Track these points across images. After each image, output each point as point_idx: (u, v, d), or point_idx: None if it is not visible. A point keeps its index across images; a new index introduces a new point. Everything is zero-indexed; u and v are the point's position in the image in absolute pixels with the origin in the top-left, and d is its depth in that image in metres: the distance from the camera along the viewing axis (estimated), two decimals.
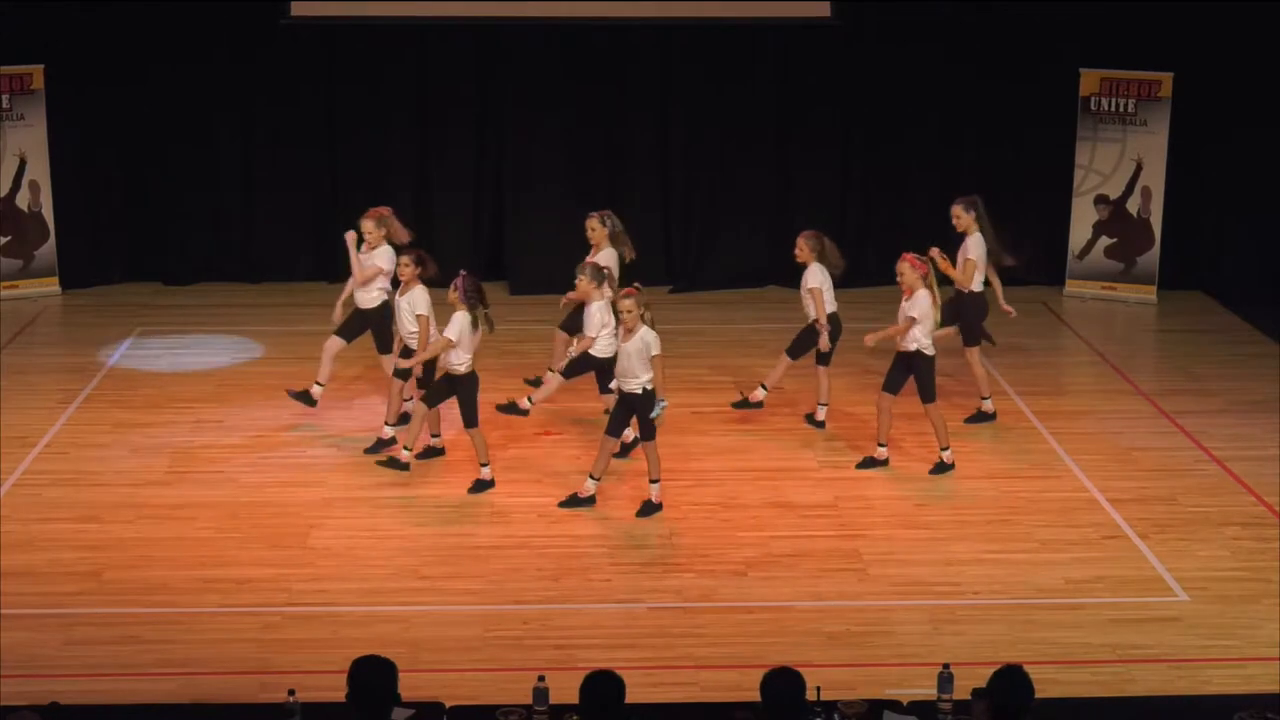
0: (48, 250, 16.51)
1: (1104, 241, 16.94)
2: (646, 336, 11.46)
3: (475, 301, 11.78)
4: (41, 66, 16.27)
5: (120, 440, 12.87)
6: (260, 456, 12.60)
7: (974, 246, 13.19)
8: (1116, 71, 16.62)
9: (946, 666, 7.70)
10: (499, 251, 17.39)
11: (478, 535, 11.34)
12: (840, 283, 17.14)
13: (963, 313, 13.30)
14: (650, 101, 17.10)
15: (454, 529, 11.45)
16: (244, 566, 10.83)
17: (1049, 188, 17.08)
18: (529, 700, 7.54)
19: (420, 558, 11.01)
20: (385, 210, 12.95)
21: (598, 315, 12.13)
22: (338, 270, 16.96)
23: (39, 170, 16.41)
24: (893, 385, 12.34)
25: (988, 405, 13.53)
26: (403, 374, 12.34)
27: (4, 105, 16.20)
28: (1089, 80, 16.73)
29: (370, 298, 12.83)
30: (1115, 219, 16.89)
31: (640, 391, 11.48)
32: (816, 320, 13.04)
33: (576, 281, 12.25)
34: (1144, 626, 10.14)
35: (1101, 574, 10.84)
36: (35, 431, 12.98)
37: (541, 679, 7.59)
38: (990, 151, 17.20)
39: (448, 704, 7.90)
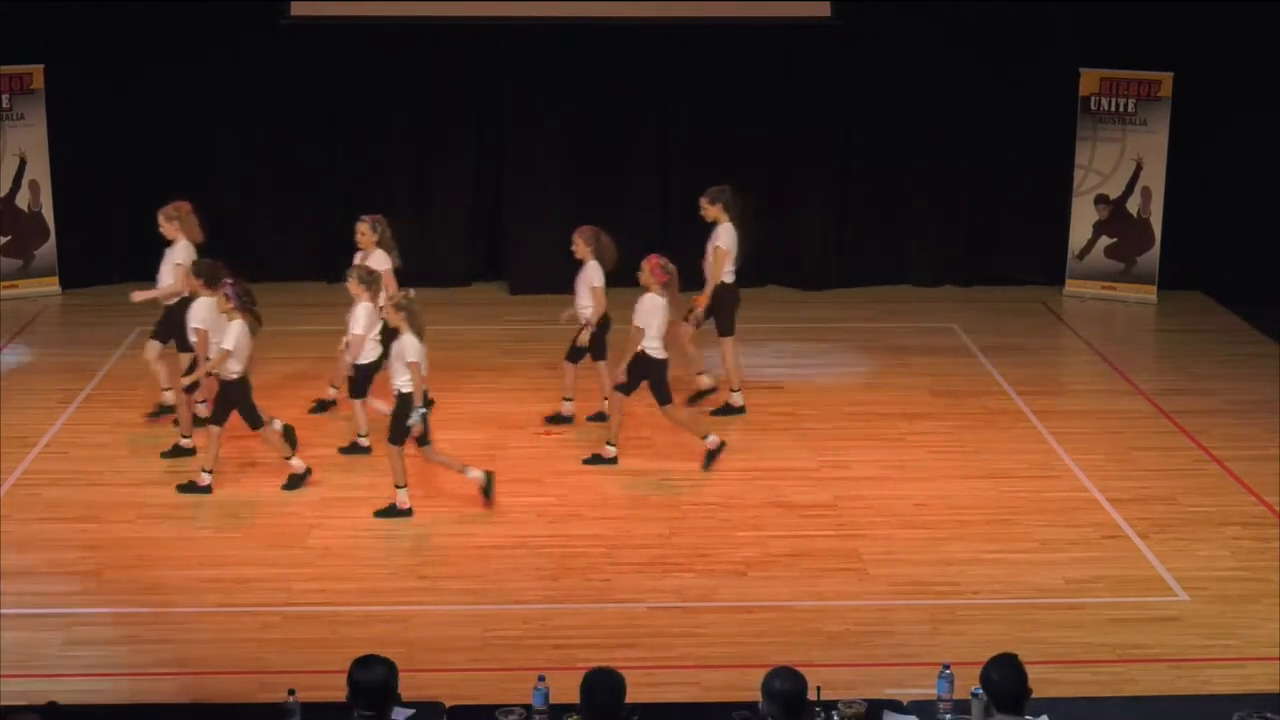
0: (48, 250, 16.51)
1: (1104, 241, 16.94)
2: (404, 342, 11.41)
3: (248, 305, 11.73)
4: (41, 66, 16.26)
5: (120, 440, 12.87)
6: (260, 456, 12.58)
7: (724, 235, 13.14)
8: (1116, 71, 16.62)
9: (946, 666, 7.70)
10: (498, 252, 17.39)
11: (477, 535, 11.34)
12: (840, 283, 17.31)
13: (716, 303, 13.26)
14: (650, 101, 17.09)
15: (453, 529, 11.44)
16: (243, 566, 10.83)
17: (1049, 187, 17.08)
18: (529, 700, 7.54)
19: (419, 557, 11.01)
20: (185, 205, 12.97)
21: (364, 317, 12.21)
22: (339, 270, 16.97)
23: (39, 170, 16.41)
24: (626, 389, 12.33)
25: (736, 399, 13.51)
26: (190, 388, 12.24)
27: (4, 105, 16.19)
28: (1089, 80, 16.73)
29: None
30: (1115, 219, 16.88)
31: (397, 393, 11.50)
32: (588, 321, 12.82)
33: (347, 284, 12.35)
34: (1144, 626, 10.13)
35: (1101, 574, 10.83)
36: (35, 431, 12.98)
37: (541, 679, 7.60)
38: (990, 151, 17.20)
39: (447, 704, 7.90)
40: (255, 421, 11.92)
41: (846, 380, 14.38)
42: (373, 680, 6.75)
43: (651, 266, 12.15)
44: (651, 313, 12.11)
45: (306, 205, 17.06)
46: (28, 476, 12.21)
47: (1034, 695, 6.88)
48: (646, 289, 12.16)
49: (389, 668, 6.82)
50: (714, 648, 9.83)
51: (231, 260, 15.56)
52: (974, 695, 7.36)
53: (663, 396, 12.30)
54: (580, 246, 12.84)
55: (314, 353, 14.69)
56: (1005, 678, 6.82)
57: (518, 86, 16.93)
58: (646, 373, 12.21)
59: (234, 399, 11.81)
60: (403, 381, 11.44)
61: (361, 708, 6.72)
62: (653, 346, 12.15)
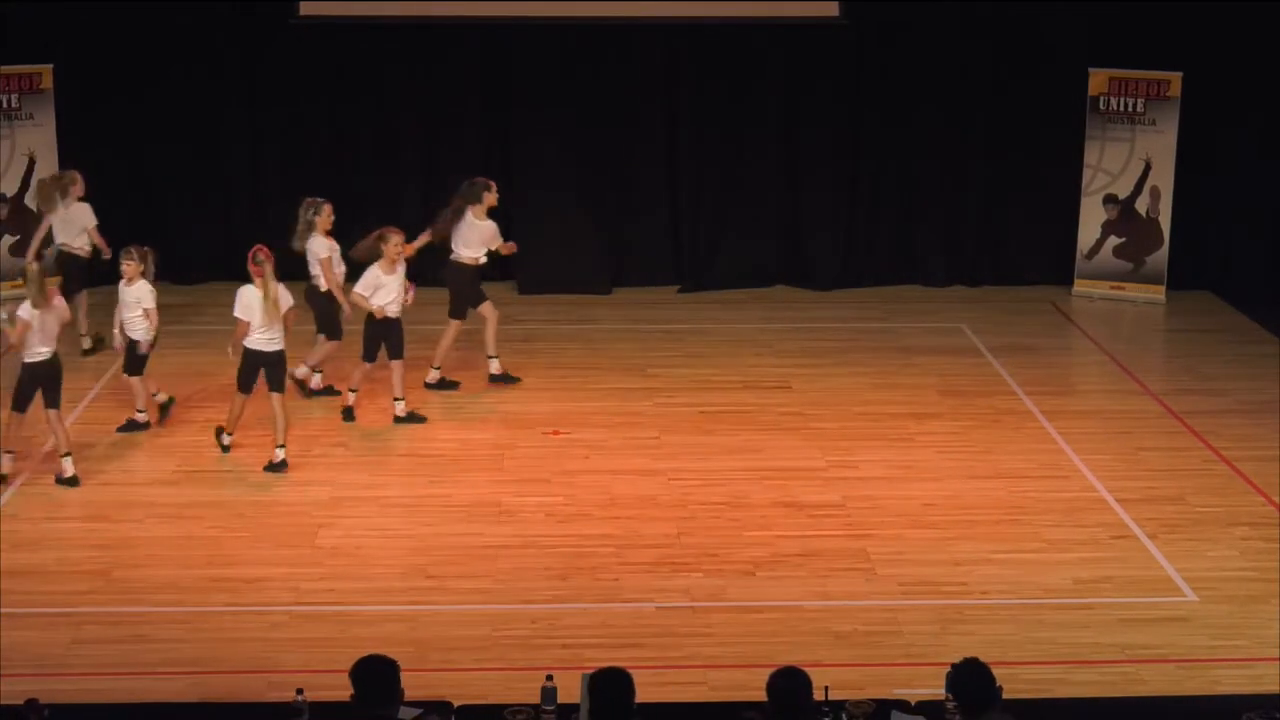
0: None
1: (1112, 241, 16.92)
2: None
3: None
4: (50, 66, 16.28)
5: (128, 439, 12.88)
6: (268, 455, 12.59)
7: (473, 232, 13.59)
8: (1125, 71, 16.60)
9: (954, 666, 7.68)
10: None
11: (485, 535, 11.34)
12: (849, 283, 17.31)
13: (449, 283, 13.86)
14: (658, 101, 17.09)
15: (462, 528, 11.45)
16: (252, 566, 10.84)
17: (1058, 187, 17.07)
18: (537, 700, 7.54)
19: (428, 557, 11.01)
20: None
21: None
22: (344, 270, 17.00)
23: (47, 170, 16.39)
24: (244, 384, 12.54)
25: (433, 375, 13.97)
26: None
27: (13, 105, 16.21)
28: (1098, 80, 16.71)
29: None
30: (1124, 218, 16.87)
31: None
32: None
33: (123, 266, 12.78)
34: (1152, 626, 10.12)
35: (1110, 574, 10.82)
36: (43, 431, 12.98)
37: (549, 678, 7.60)
38: (999, 151, 17.20)
39: (456, 703, 7.89)
40: (20, 405, 12.04)
41: (855, 380, 14.37)
42: (376, 680, 6.84)
43: (252, 255, 12.47)
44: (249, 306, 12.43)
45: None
46: (36, 476, 12.22)
47: (1040, 696, 6.88)
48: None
49: (391, 667, 6.88)
50: (722, 647, 9.83)
51: (239, 259, 15.62)
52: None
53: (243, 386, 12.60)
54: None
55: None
56: (971, 683, 6.86)
57: (526, 86, 16.94)
58: (263, 362, 12.48)
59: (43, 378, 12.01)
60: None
61: (366, 708, 6.76)
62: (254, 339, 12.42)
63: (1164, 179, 16.65)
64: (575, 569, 10.83)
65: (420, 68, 16.92)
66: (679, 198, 17.23)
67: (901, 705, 7.69)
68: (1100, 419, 13.58)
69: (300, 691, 7.54)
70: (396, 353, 13.18)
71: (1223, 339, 15.77)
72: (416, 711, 7.61)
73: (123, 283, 12.79)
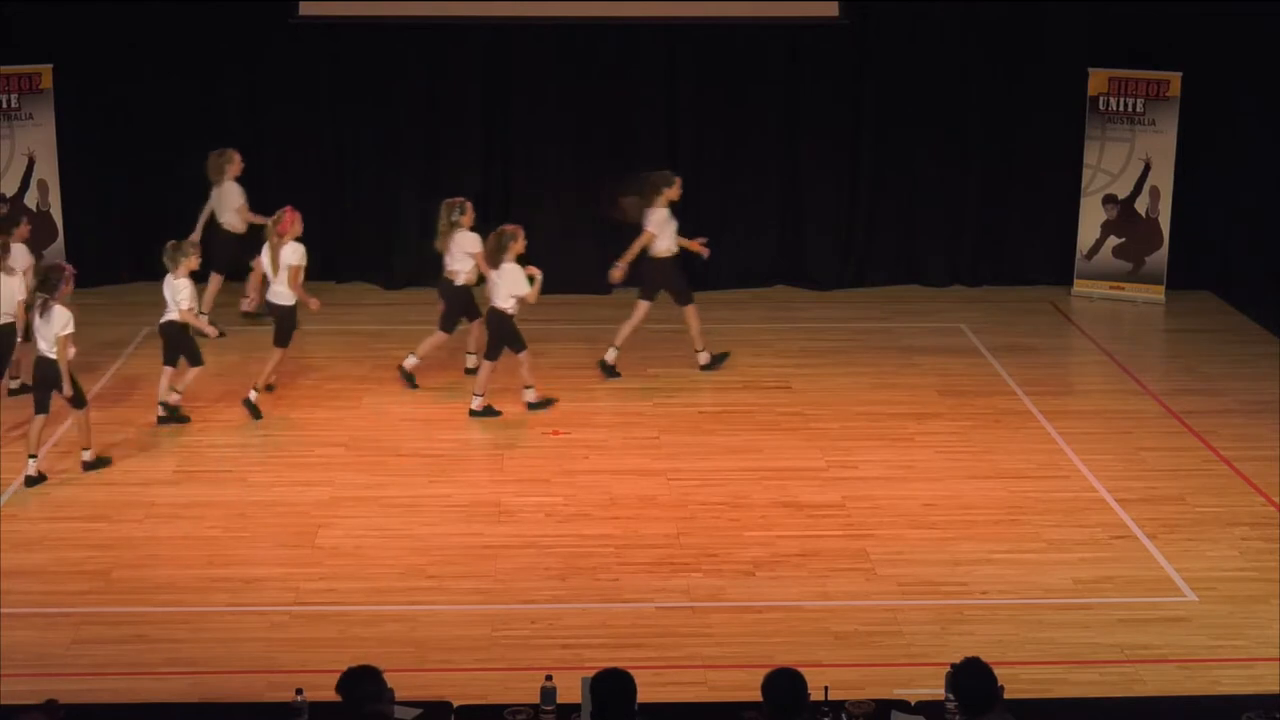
0: (56, 249, 16.50)
1: (1112, 241, 16.92)
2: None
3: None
4: (50, 66, 16.27)
5: (128, 439, 12.88)
6: (268, 455, 12.61)
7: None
8: (1125, 71, 16.60)
9: (954, 666, 7.68)
10: None
11: (485, 535, 11.34)
12: (849, 283, 17.30)
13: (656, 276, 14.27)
14: (658, 101, 17.08)
15: (461, 528, 11.45)
16: (252, 566, 10.84)
17: (1057, 187, 17.06)
18: (537, 700, 7.54)
19: (428, 557, 11.01)
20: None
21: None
22: (346, 269, 17.02)
23: (47, 170, 16.42)
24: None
25: (611, 354, 14.34)
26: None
27: (13, 105, 16.21)
28: (1097, 80, 16.71)
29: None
30: (1123, 218, 16.87)
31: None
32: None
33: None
34: (1152, 627, 10.12)
35: (1110, 574, 10.82)
36: (43, 431, 12.99)
37: (549, 678, 7.60)
38: (998, 151, 17.19)
39: (455, 703, 7.90)
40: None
41: (855, 380, 14.37)
42: (356, 689, 7.00)
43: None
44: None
45: (314, 205, 17.02)
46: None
47: (1040, 697, 6.89)
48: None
49: (371, 675, 7.05)
50: (722, 648, 9.83)
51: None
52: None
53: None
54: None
55: (323, 351, 14.75)
56: (971, 683, 6.87)
57: (526, 86, 16.93)
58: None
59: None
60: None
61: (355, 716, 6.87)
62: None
63: (1164, 179, 16.65)
64: (575, 569, 10.84)
65: (420, 67, 16.91)
66: (680, 197, 17.19)
67: (901, 705, 7.69)
68: (1100, 419, 13.58)
69: (300, 691, 7.54)
70: (516, 345, 13.41)
71: (1223, 339, 15.77)
72: (416, 711, 7.62)
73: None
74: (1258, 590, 10.60)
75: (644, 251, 14.24)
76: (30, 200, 16.37)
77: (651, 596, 10.48)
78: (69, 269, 12.29)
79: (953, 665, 7.10)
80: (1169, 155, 16.59)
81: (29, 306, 12.33)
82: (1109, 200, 16.88)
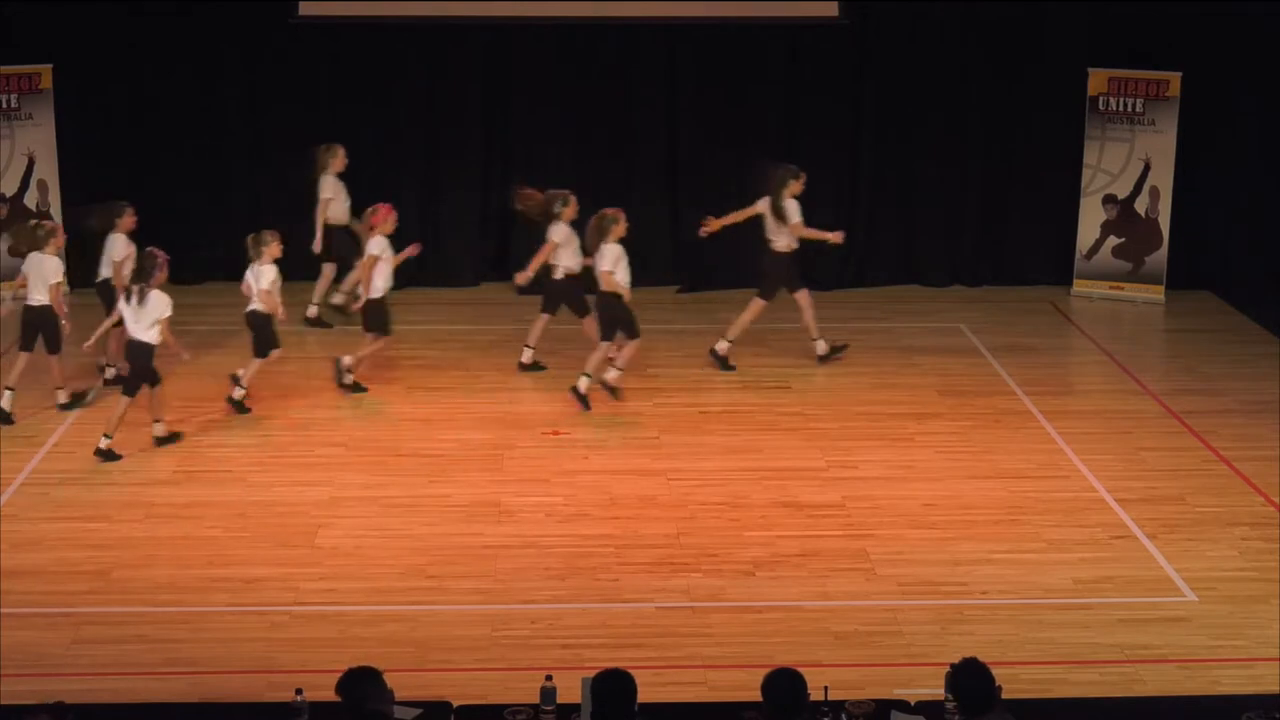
0: None
1: (1112, 241, 16.93)
2: None
3: None
4: (50, 66, 16.28)
5: (128, 439, 12.87)
6: (268, 456, 12.61)
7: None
8: (1125, 71, 16.61)
9: (953, 666, 7.68)
10: (507, 251, 17.36)
11: (485, 535, 11.34)
12: (849, 283, 17.30)
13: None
14: (658, 101, 17.09)
15: (461, 528, 11.45)
16: (252, 566, 10.84)
17: (1057, 187, 17.06)
18: (537, 700, 7.54)
19: (428, 557, 11.01)
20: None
21: None
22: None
23: (47, 170, 16.43)
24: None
25: (721, 346, 14.53)
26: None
27: (12, 105, 16.21)
28: (1097, 80, 16.71)
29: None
30: (1123, 219, 16.87)
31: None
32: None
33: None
34: (1152, 627, 10.12)
35: (1110, 574, 10.82)
36: (43, 431, 13.01)
37: (549, 678, 7.60)
38: (998, 151, 17.20)
39: (455, 703, 7.90)
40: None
41: (855, 380, 14.37)
42: (355, 691, 7.01)
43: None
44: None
45: (314, 205, 17.03)
46: (36, 476, 12.23)
47: (1040, 696, 6.89)
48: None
49: (370, 676, 7.06)
50: (722, 648, 9.83)
51: (239, 260, 15.63)
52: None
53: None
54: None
55: (323, 351, 14.75)
56: (971, 683, 6.87)
57: (526, 86, 16.93)
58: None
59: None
60: None
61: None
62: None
63: (1163, 179, 16.65)
64: (575, 569, 10.83)
65: (420, 67, 16.91)
66: (679, 198, 17.21)
67: (901, 705, 7.69)
68: (1100, 419, 13.58)
69: (300, 691, 7.54)
70: (630, 331, 13.51)
71: (1223, 339, 15.77)
72: (416, 711, 7.62)
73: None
74: (1258, 590, 10.60)
75: (766, 246, 14.42)
76: (30, 200, 16.38)
77: (651, 596, 10.48)
78: (162, 255, 12.54)
79: (952, 665, 7.10)
80: (1169, 155, 16.59)
81: (126, 295, 12.61)
82: (1109, 200, 16.88)
